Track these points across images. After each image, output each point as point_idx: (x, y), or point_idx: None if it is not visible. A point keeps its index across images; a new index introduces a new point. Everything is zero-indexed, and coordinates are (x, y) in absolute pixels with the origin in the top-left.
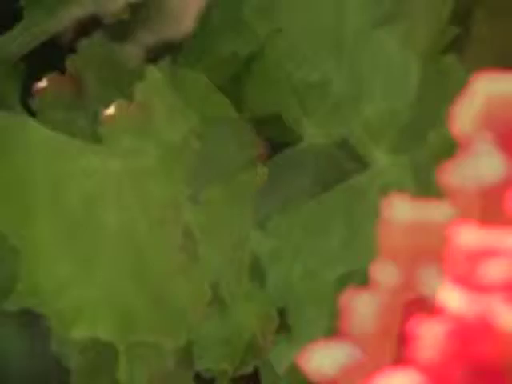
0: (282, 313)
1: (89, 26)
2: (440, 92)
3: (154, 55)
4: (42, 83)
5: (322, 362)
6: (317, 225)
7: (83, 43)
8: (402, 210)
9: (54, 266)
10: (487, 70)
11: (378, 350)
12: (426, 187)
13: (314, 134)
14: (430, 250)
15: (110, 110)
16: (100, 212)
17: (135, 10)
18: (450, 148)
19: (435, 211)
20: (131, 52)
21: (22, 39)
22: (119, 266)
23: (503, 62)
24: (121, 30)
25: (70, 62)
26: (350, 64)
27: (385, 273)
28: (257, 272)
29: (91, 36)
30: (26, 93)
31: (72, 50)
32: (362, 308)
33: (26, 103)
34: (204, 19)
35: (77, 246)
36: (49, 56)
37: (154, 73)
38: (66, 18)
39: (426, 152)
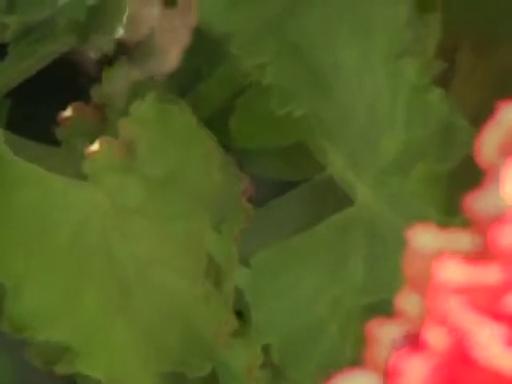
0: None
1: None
2: (426, 126)
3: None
4: (67, 112)
5: None
6: (302, 260)
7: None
8: (426, 240)
9: (42, 299)
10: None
11: None
12: (411, 221)
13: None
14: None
15: (94, 146)
16: (86, 248)
17: (120, 45)
18: (434, 181)
19: (460, 240)
20: (117, 89)
21: (6, 75)
22: (105, 299)
23: (489, 97)
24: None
25: (95, 92)
26: (337, 97)
27: (410, 302)
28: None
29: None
30: (51, 121)
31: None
32: (387, 338)
33: (52, 132)
34: (190, 55)
35: (64, 279)
36: (73, 85)
37: (138, 109)
38: (49, 56)
39: (410, 186)
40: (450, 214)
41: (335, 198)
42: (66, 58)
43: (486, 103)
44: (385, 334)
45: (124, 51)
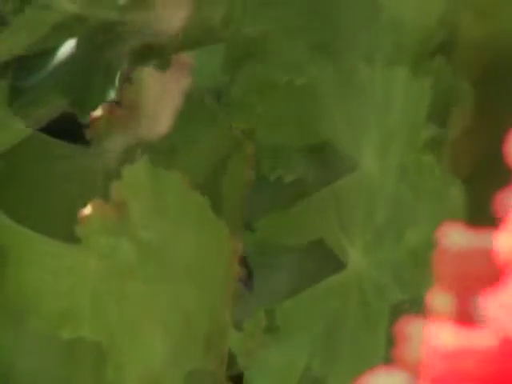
0: None
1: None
2: (417, 191)
3: (131, 154)
4: (87, 210)
5: None
6: (295, 324)
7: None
8: (457, 239)
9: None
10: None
11: None
12: (405, 285)
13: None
14: (486, 277)
15: (87, 210)
16: (77, 315)
17: (111, 109)
18: (427, 247)
19: (490, 239)
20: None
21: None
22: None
23: (480, 165)
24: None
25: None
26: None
27: (440, 301)
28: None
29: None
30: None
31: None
32: (417, 336)
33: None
34: (181, 118)
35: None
36: None
37: (130, 172)
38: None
39: (402, 251)
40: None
41: (326, 263)
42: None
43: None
44: (415, 332)
45: (116, 114)
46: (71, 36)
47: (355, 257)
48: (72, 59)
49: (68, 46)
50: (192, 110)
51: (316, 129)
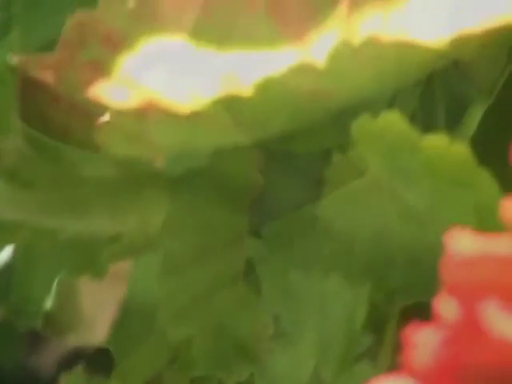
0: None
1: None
2: None
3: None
4: None
5: None
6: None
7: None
8: (464, 244)
9: None
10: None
11: None
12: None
13: None
14: (493, 283)
15: None
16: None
17: (49, 319)
18: None
19: (498, 245)
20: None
21: None
22: None
23: None
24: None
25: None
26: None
27: (447, 307)
28: None
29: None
30: None
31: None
32: (424, 342)
33: None
34: (117, 326)
35: None
36: None
37: (67, 380)
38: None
39: None
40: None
41: None
42: None
43: None
44: (422, 338)
45: (52, 323)
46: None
47: None
48: (9, 267)
49: (5, 253)
50: (128, 319)
51: None
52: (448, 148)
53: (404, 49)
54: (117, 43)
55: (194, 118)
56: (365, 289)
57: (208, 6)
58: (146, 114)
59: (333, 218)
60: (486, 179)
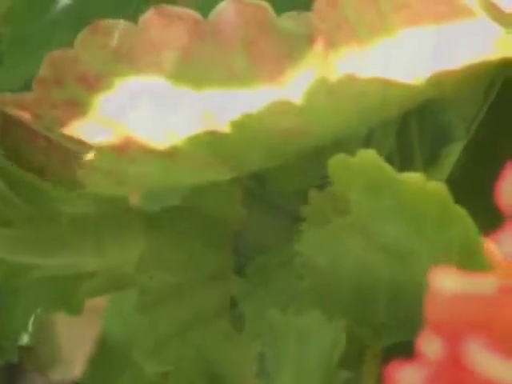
0: None
1: None
2: None
3: None
4: None
5: None
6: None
7: None
8: (448, 282)
9: None
10: None
11: None
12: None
13: None
14: (477, 322)
15: None
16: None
17: (27, 353)
18: None
19: (482, 283)
20: None
21: None
22: None
23: None
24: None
25: None
26: None
27: (431, 345)
28: None
29: None
30: None
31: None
32: (407, 380)
33: None
34: (94, 361)
35: None
36: None
37: None
38: None
39: None
40: None
41: None
42: None
43: None
44: (405, 376)
45: (29, 358)
46: None
47: None
48: None
49: None
50: (104, 354)
51: None
52: (424, 186)
53: (382, 86)
54: (93, 82)
55: (173, 155)
56: (343, 325)
57: (186, 45)
58: (125, 152)
59: (312, 255)
60: (462, 217)
